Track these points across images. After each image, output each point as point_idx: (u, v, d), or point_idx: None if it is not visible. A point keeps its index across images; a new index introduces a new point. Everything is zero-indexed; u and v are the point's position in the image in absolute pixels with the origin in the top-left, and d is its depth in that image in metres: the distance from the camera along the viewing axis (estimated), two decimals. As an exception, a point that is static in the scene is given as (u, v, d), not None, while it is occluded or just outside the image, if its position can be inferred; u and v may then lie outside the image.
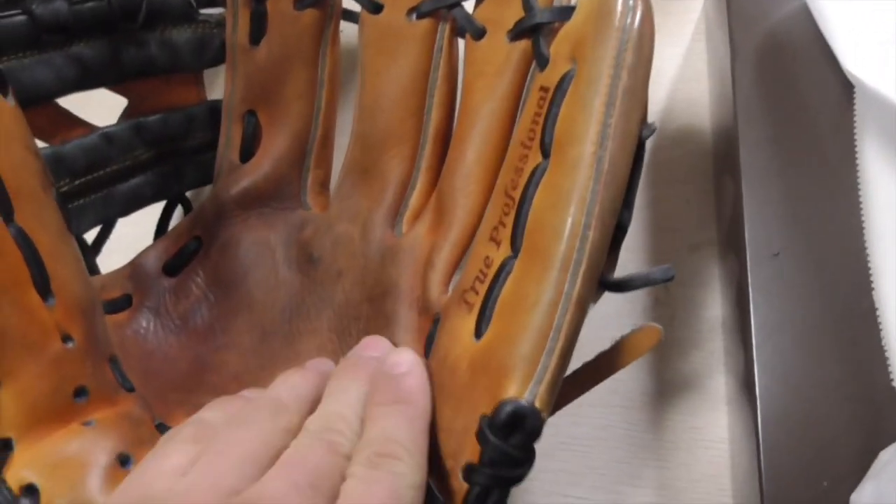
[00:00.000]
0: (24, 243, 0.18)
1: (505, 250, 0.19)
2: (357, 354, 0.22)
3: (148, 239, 0.30)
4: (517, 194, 0.19)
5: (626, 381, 0.29)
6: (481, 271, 0.20)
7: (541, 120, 0.19)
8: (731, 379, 0.26)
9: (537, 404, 0.16)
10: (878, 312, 0.21)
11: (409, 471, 0.17)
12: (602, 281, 0.18)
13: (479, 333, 0.19)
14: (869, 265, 0.22)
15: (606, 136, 0.17)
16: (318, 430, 0.18)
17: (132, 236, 0.30)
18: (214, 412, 0.20)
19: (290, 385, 0.21)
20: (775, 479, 0.21)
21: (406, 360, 0.20)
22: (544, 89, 0.20)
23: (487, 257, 0.20)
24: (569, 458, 0.29)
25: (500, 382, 0.17)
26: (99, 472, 0.18)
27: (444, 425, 0.18)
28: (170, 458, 0.17)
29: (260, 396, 0.20)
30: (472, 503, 0.17)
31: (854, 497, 0.20)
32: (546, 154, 0.19)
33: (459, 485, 0.17)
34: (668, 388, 0.28)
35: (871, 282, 0.22)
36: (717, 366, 0.28)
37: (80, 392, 0.19)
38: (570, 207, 0.17)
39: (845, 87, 0.23)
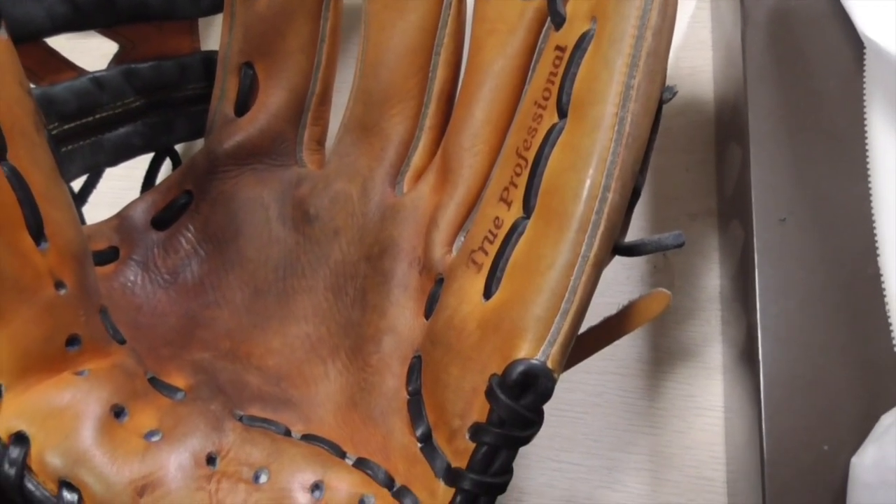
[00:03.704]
0: (18, 183, 0.17)
1: (516, 211, 0.19)
2: None
3: (135, 192, 0.29)
4: (530, 155, 0.19)
5: (622, 348, 0.29)
6: (491, 232, 0.20)
7: (557, 79, 0.19)
8: (729, 347, 0.27)
9: (549, 365, 0.16)
10: (882, 279, 0.22)
11: None
12: (614, 245, 0.18)
13: (488, 294, 0.18)
14: (875, 232, 0.22)
15: (629, 97, 0.17)
16: None
17: (118, 189, 0.29)
18: None
19: None
20: (776, 443, 0.21)
21: None
22: (561, 48, 0.19)
23: (497, 218, 0.20)
24: (563, 424, 0.29)
25: (511, 342, 0.16)
26: (93, 422, 0.18)
27: (451, 384, 0.18)
28: None
29: None
30: (478, 463, 0.17)
31: (855, 460, 0.20)
32: (563, 114, 0.18)
33: (466, 444, 0.17)
34: (663, 356, 0.29)
35: (877, 248, 0.22)
36: (713, 334, 0.28)
37: (72, 340, 0.18)
38: (589, 168, 0.17)
39: (856, 52, 0.23)
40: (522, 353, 0.16)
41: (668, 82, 0.31)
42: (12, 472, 0.17)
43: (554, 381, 0.16)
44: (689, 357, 0.28)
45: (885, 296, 0.22)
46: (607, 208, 0.16)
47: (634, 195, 0.18)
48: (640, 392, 0.28)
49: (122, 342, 0.21)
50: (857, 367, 0.21)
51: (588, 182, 0.16)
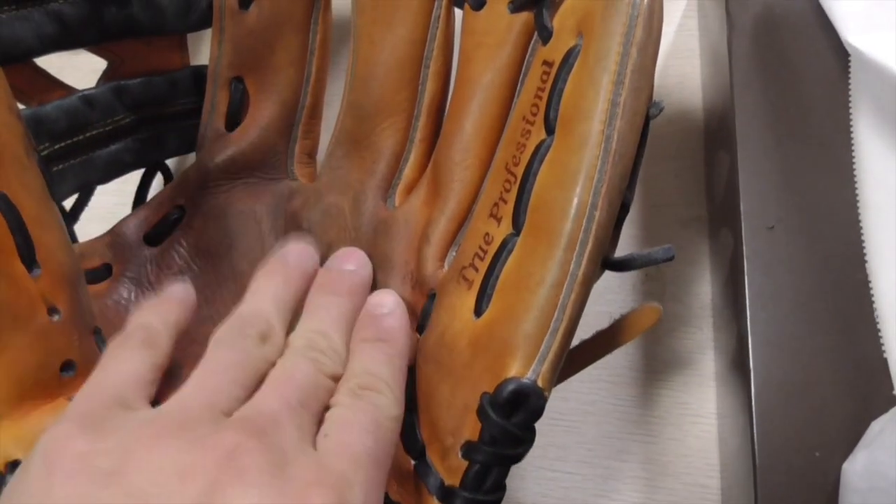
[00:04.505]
0: (8, 210, 0.17)
1: (506, 227, 0.19)
2: (334, 267, 0.22)
3: (126, 208, 0.29)
4: (519, 171, 0.19)
5: (615, 357, 0.29)
6: (481, 248, 0.20)
7: (544, 95, 0.19)
8: (721, 354, 0.27)
9: (540, 383, 0.16)
10: (870, 284, 0.22)
11: (390, 403, 0.18)
12: (604, 260, 0.18)
13: (479, 311, 0.18)
14: (862, 238, 0.22)
15: (615, 114, 0.17)
16: (302, 349, 0.19)
17: (111, 204, 0.29)
18: (152, 316, 0.20)
19: (273, 293, 0.21)
20: (768, 450, 0.21)
21: (388, 302, 0.21)
22: (548, 63, 0.19)
23: (487, 234, 0.20)
24: (557, 434, 0.29)
25: (502, 361, 0.17)
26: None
27: (443, 402, 0.18)
28: (127, 364, 0.17)
29: (245, 312, 0.20)
30: (471, 480, 0.17)
31: (846, 466, 0.20)
32: (550, 130, 0.18)
33: (458, 462, 0.17)
34: (656, 364, 0.29)
35: (865, 254, 0.22)
36: (706, 341, 0.28)
37: (67, 366, 0.19)
38: (576, 186, 0.17)
39: (841, 59, 0.23)
40: (513, 371, 0.16)
41: (657, 90, 0.32)
42: (7, 499, 0.17)
43: (544, 400, 0.16)
44: (682, 365, 0.28)
45: (873, 301, 0.22)
46: (595, 226, 0.16)
47: (623, 210, 0.18)
48: (633, 400, 0.28)
49: (116, 363, 0.21)
50: (848, 373, 0.22)
51: (575, 200, 0.17)
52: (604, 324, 0.22)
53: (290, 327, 0.20)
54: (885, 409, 0.20)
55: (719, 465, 0.27)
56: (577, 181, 0.17)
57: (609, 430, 0.29)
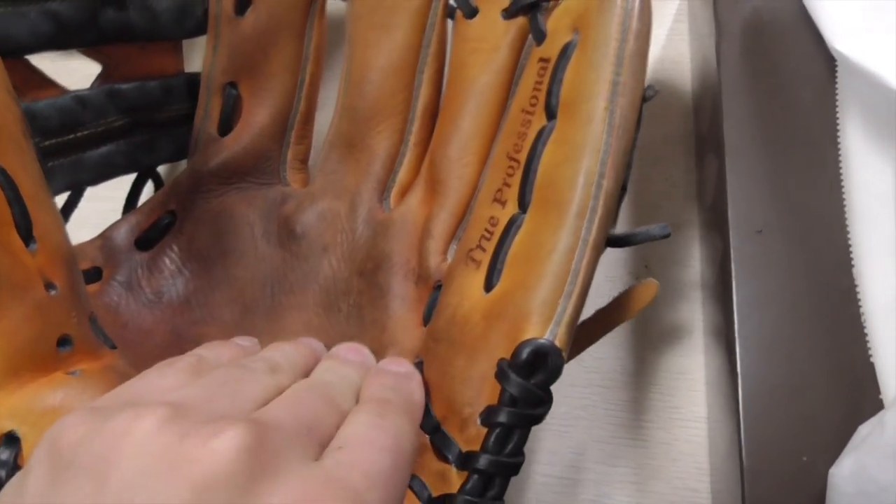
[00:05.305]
0: (7, 184, 0.17)
1: (512, 208, 0.20)
2: (340, 355, 0.21)
3: (117, 214, 0.28)
4: (522, 156, 0.20)
5: (606, 361, 0.29)
6: (486, 230, 0.20)
7: (543, 87, 0.20)
8: (710, 358, 0.27)
9: (557, 343, 0.16)
10: (857, 289, 0.22)
11: (410, 429, 0.17)
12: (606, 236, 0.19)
13: (489, 287, 0.19)
14: (849, 242, 0.22)
15: (616, 92, 0.18)
16: (312, 385, 0.18)
17: (102, 210, 0.28)
18: (212, 352, 0.19)
19: (283, 352, 0.20)
20: (756, 455, 0.21)
21: (404, 363, 0.20)
22: (544, 59, 0.21)
23: (493, 217, 0.20)
24: (547, 438, 0.29)
25: (519, 326, 0.17)
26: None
27: (458, 375, 0.18)
28: (165, 380, 0.16)
29: (254, 355, 0.19)
30: (493, 444, 0.17)
31: (833, 471, 0.20)
32: (552, 115, 0.19)
33: (478, 430, 0.17)
34: (647, 367, 0.29)
35: (852, 258, 0.22)
36: (696, 345, 0.28)
37: (64, 341, 0.18)
38: (583, 159, 0.18)
39: (828, 64, 0.24)
40: (530, 334, 0.17)
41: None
42: (2, 473, 0.16)
43: (563, 360, 0.16)
44: (672, 368, 0.28)
45: (860, 305, 0.22)
46: (603, 194, 0.17)
47: (621, 190, 0.19)
48: (624, 404, 0.28)
49: (114, 347, 0.20)
50: (835, 377, 0.22)
51: (584, 171, 0.17)
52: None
53: None
54: (872, 413, 0.20)
55: (709, 468, 0.27)
56: (584, 153, 0.17)
57: (600, 435, 0.28)
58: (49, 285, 0.18)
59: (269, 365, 0.18)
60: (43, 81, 0.25)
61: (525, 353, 0.16)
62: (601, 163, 0.17)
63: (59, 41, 0.25)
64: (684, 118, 0.31)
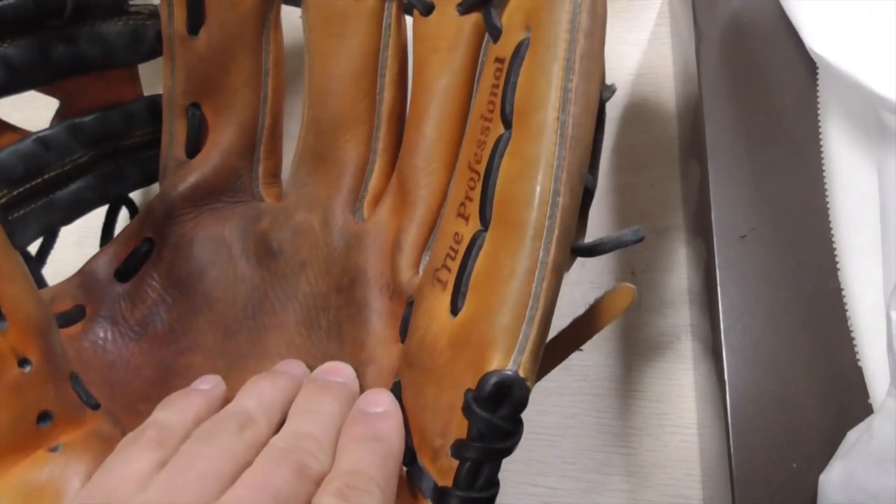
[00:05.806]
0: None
1: (474, 225, 0.19)
2: (321, 378, 0.21)
3: (94, 244, 0.28)
4: (482, 168, 0.19)
5: (594, 368, 0.29)
6: (451, 248, 0.20)
7: (499, 91, 0.19)
8: (699, 364, 0.26)
9: (521, 374, 0.16)
10: (843, 293, 0.22)
11: None
12: (573, 247, 0.18)
13: (455, 310, 0.18)
14: (834, 245, 0.22)
15: (568, 100, 0.17)
16: (287, 449, 0.18)
17: (76, 243, 0.28)
18: (171, 412, 0.19)
19: (258, 393, 0.20)
20: (745, 462, 0.21)
21: (383, 401, 0.20)
22: (500, 60, 0.20)
23: (457, 234, 0.20)
24: (537, 448, 0.28)
25: (482, 355, 0.17)
26: (74, 497, 0.17)
27: (429, 405, 0.18)
28: (132, 464, 0.16)
29: (226, 408, 0.19)
30: (463, 479, 0.17)
31: (823, 477, 0.20)
32: (508, 124, 0.19)
33: (449, 462, 0.17)
34: (636, 375, 0.28)
35: (837, 262, 0.22)
36: (685, 351, 0.28)
37: (43, 417, 0.18)
38: (537, 175, 0.17)
39: (809, 67, 0.23)
40: (493, 364, 0.16)
41: (631, 98, 0.31)
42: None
43: (528, 390, 0.16)
44: (661, 375, 0.28)
45: (846, 309, 0.22)
46: (559, 212, 0.16)
47: (587, 196, 0.18)
48: (613, 412, 0.28)
49: (96, 407, 0.21)
50: (823, 383, 0.21)
51: (538, 189, 0.17)
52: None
53: (277, 429, 0.19)
54: (861, 417, 0.20)
55: (700, 475, 0.27)
56: (537, 170, 0.17)
57: (590, 444, 0.28)
58: (23, 361, 0.18)
59: (239, 422, 0.18)
60: (1, 128, 0.25)
61: (488, 387, 0.16)
62: (555, 179, 0.17)
63: (13, 86, 0.24)
64: (667, 122, 0.30)
